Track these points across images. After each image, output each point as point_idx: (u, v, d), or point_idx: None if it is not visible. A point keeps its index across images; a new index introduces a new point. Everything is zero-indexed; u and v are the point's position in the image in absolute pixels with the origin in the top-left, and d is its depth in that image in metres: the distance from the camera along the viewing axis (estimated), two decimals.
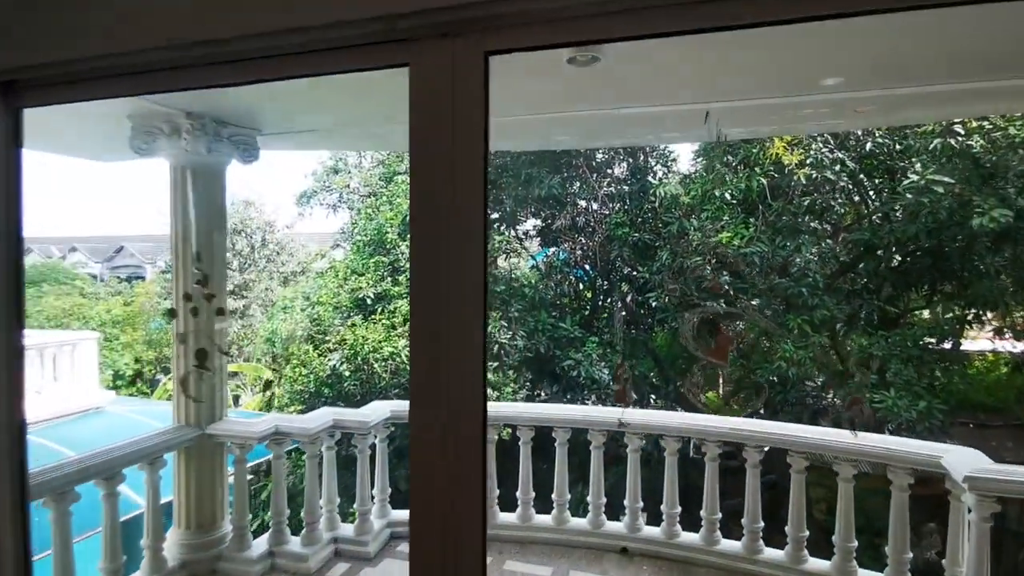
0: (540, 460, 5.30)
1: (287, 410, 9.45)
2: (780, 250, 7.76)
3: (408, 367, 7.89)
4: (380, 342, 7.91)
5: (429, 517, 1.26)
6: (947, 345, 9.11)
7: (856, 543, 4.04)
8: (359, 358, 7.89)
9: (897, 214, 7.57)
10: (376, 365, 7.81)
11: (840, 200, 8.16)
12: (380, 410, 4.83)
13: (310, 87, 2.92)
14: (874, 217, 8.87)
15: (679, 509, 4.57)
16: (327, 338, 8.91)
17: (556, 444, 4.79)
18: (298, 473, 8.11)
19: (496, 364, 9.25)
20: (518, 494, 4.83)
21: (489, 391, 9.08)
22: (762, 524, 4.33)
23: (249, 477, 4.66)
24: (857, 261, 9.16)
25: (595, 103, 3.47)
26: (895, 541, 3.87)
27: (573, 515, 4.83)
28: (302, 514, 4.53)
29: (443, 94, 1.27)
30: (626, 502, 4.67)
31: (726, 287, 8.75)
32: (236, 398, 12.66)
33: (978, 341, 11.73)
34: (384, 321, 8.42)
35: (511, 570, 4.35)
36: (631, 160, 11.64)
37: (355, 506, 4.68)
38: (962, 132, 6.27)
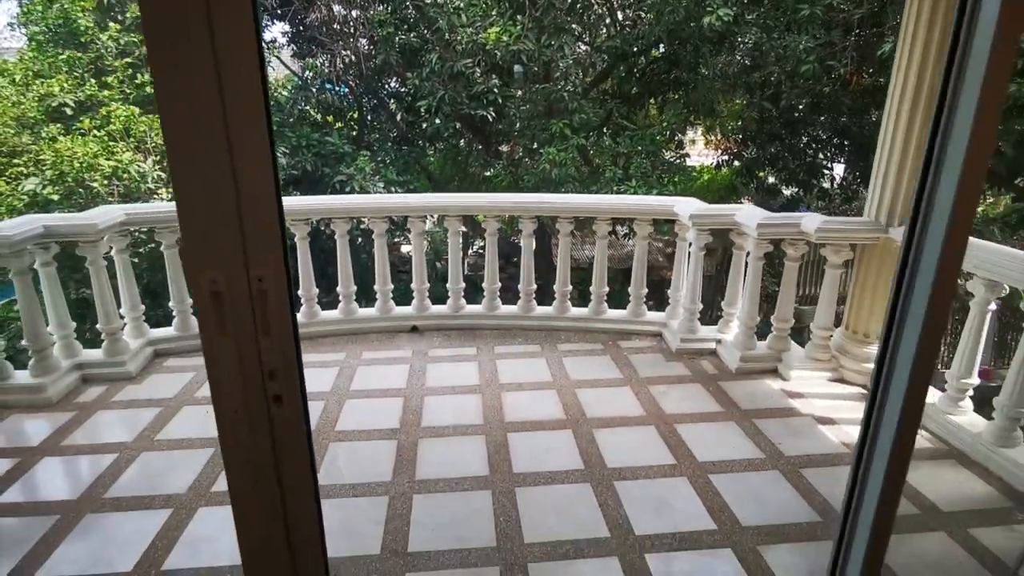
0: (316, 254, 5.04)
1: None
2: (545, 48, 7.87)
3: (141, 184, 6.59)
4: (95, 157, 6.33)
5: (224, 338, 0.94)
6: (676, 160, 10.74)
7: (607, 289, 4.77)
8: (70, 179, 6.28)
9: (644, 16, 8.11)
10: (98, 186, 6.32)
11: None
12: (110, 214, 3.97)
13: None
14: (625, 25, 9.45)
15: (463, 285, 4.84)
16: (15, 161, 6.86)
17: (336, 236, 4.55)
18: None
19: None
20: (299, 292, 4.60)
21: None
22: (535, 287, 4.83)
23: None
24: (611, 69, 9.85)
25: None
26: (636, 281, 4.65)
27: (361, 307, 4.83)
28: (23, 343, 3.72)
29: None
30: (413, 285, 4.77)
31: (494, 92, 8.76)
32: None
33: (695, 157, 14.17)
34: (96, 133, 6.69)
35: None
36: None
37: (99, 326, 3.97)
38: None
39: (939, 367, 3.76)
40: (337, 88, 11.68)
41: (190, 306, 4.39)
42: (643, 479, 2.90)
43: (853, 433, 3.32)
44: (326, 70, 11.06)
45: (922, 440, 3.24)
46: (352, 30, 10.90)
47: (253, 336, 0.83)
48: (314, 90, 11.03)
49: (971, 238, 3.33)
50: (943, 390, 3.33)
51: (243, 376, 0.86)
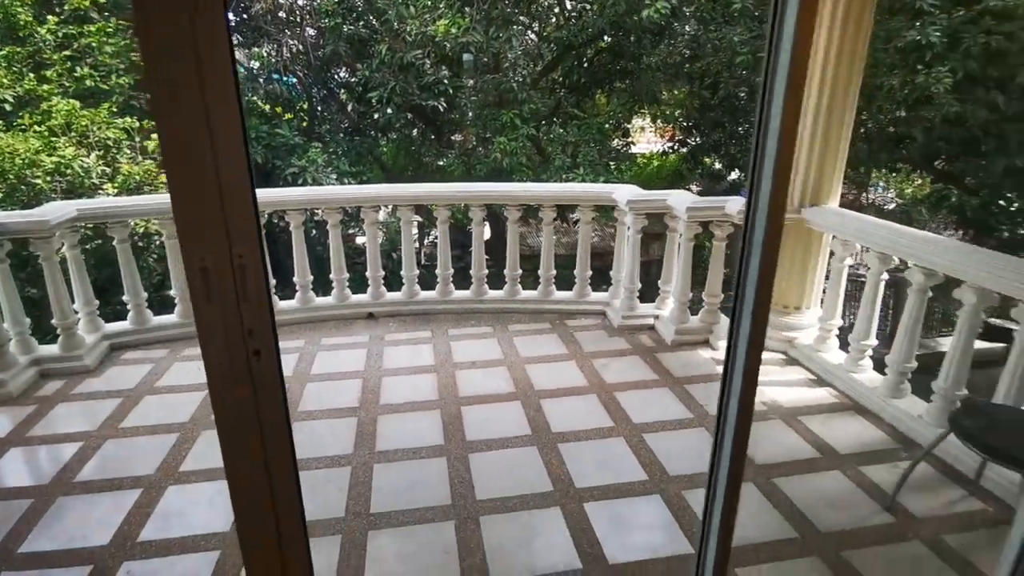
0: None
1: None
2: (494, 40, 8.07)
3: (85, 180, 6.48)
4: (37, 153, 6.20)
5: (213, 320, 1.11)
6: (622, 148, 11.13)
7: (555, 272, 5.06)
8: (11, 176, 6.14)
9: (589, 8, 8.40)
10: (41, 183, 6.20)
11: None
12: (62, 210, 4.00)
13: None
14: (571, 17, 9.72)
15: (417, 272, 5.04)
16: None
17: (291, 228, 4.67)
18: None
19: None
20: None
21: None
22: (486, 271, 5.07)
23: None
24: (559, 59, 10.13)
25: None
26: (581, 264, 4.96)
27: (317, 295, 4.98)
28: None
29: None
30: (368, 273, 4.94)
31: (445, 83, 8.92)
32: None
33: (644, 145, 14.65)
34: (37, 128, 6.53)
35: None
36: None
37: (54, 321, 4.01)
38: None
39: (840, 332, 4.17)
40: (285, 78, 11.56)
41: (145, 299, 4.46)
42: (584, 440, 3.21)
43: (770, 392, 3.72)
44: (273, 60, 10.95)
45: (828, 396, 3.66)
46: (298, 19, 10.82)
47: (235, 302, 1.04)
48: (261, 81, 10.92)
49: (864, 215, 3.79)
50: (847, 351, 3.77)
51: (227, 335, 1.07)
